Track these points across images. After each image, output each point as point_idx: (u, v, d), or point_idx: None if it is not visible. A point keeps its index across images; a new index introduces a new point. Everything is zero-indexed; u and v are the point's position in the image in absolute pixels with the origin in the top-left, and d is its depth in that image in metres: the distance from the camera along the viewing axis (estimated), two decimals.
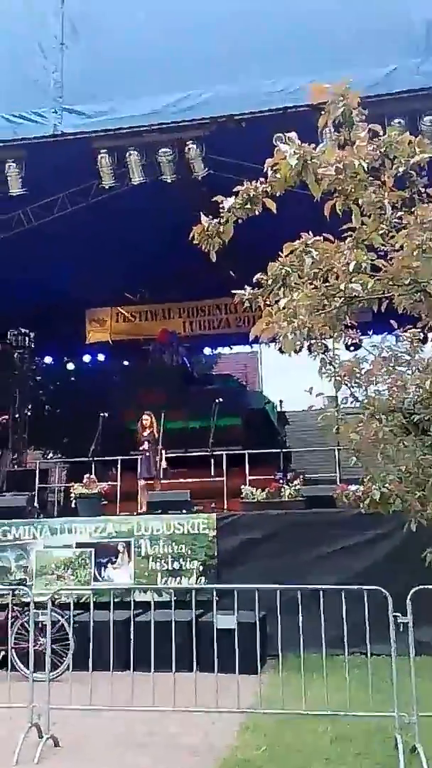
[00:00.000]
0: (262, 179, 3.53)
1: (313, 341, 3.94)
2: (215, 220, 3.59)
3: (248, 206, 3.53)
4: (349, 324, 4.03)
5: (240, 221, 3.63)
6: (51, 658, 6.27)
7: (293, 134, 3.34)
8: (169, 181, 9.58)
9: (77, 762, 5.43)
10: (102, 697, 5.85)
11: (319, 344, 4.03)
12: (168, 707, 5.77)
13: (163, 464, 11.59)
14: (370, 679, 5.66)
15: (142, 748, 5.71)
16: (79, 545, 9.81)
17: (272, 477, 11.23)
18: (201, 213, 3.65)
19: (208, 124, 9.13)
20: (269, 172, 3.46)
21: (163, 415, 12.42)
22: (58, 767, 5.35)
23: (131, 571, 9.59)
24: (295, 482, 10.51)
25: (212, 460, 11.79)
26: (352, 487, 9.66)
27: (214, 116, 9.05)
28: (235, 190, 3.58)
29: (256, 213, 3.59)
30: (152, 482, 11.40)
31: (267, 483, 10.69)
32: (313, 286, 3.58)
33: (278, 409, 17.02)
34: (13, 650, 7.75)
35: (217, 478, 11.38)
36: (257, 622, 6.56)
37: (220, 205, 3.60)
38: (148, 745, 5.78)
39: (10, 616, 7.46)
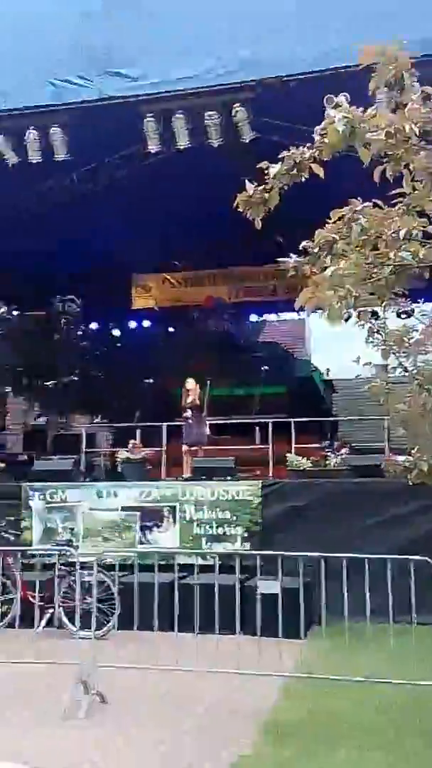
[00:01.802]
0: (309, 144, 3.43)
1: (360, 310, 3.86)
2: (260, 188, 3.52)
3: (294, 172, 3.44)
4: (400, 292, 3.94)
5: (286, 188, 3.54)
6: (97, 617, 6.44)
7: (342, 98, 3.22)
8: (215, 145, 9.42)
9: (123, 719, 5.59)
10: (147, 656, 6.00)
11: (367, 312, 3.94)
12: (211, 669, 5.88)
13: (207, 431, 11.63)
14: (413, 649, 5.66)
15: (184, 708, 5.83)
16: (124, 509, 10.00)
17: (318, 446, 11.19)
18: (246, 180, 3.57)
19: (256, 86, 8.92)
20: (317, 138, 3.36)
21: (208, 382, 12.45)
22: (105, 723, 5.51)
23: (176, 535, 9.74)
24: (342, 451, 10.47)
25: (257, 428, 11.79)
26: (400, 458, 9.60)
27: (261, 78, 8.85)
28: (280, 156, 3.49)
29: (303, 179, 3.50)
30: (195, 449, 11.46)
31: (312, 452, 10.68)
32: (361, 254, 3.50)
33: (325, 377, 16.89)
34: (60, 608, 7.99)
35: (262, 446, 11.39)
36: (301, 588, 6.60)
37: (265, 172, 3.51)
38: (191, 705, 5.91)
39: (57, 575, 7.66)
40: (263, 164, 3.56)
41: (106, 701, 5.87)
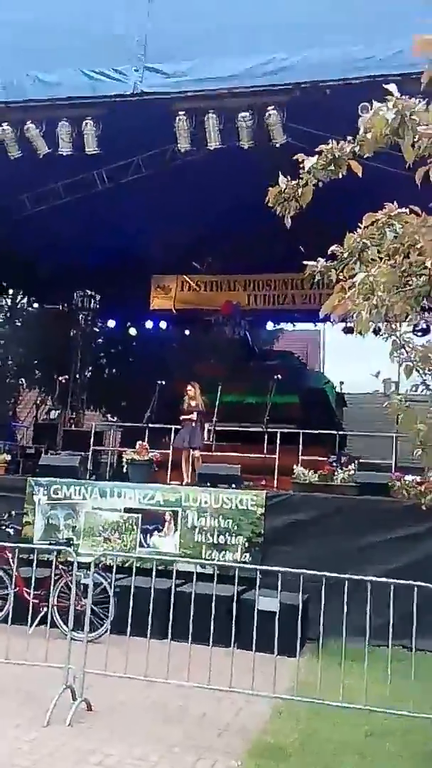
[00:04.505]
0: (350, 138, 3.25)
1: (385, 323, 3.68)
2: (293, 182, 3.34)
3: (331, 168, 3.27)
4: (426, 306, 3.77)
5: (321, 184, 3.36)
6: (91, 618, 6.28)
7: (393, 86, 3.03)
8: (245, 147, 9.30)
9: (109, 728, 5.41)
10: (138, 665, 5.81)
11: (392, 326, 3.77)
12: (203, 683, 5.69)
13: (205, 438, 11.49)
14: (412, 675, 5.47)
15: (173, 722, 5.66)
16: (127, 510, 9.84)
17: (326, 459, 10.99)
18: (279, 174, 3.40)
19: (291, 89, 8.77)
20: (361, 131, 3.16)
21: (219, 387, 12.28)
22: (90, 732, 5.33)
23: (176, 540, 9.57)
24: (350, 467, 10.28)
25: (266, 437, 11.63)
26: (408, 477, 9.40)
27: (297, 82, 8.71)
28: (318, 149, 3.31)
29: (340, 176, 3.32)
30: (193, 453, 11.27)
31: (320, 465, 10.49)
32: (392, 263, 3.32)
33: (337, 391, 16.69)
34: (54, 608, 7.84)
35: (270, 456, 11.21)
36: (300, 606, 6.42)
37: (300, 165, 3.34)
38: (180, 719, 5.73)
39: (53, 573, 7.51)
40: (299, 156, 3.38)
41: (92, 709, 5.71)
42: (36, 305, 19.52)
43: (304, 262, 3.68)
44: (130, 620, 6.16)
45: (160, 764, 4.78)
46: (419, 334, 4.93)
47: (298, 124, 9.08)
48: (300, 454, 10.82)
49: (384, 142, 3.12)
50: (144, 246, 14.24)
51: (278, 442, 11.16)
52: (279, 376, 12.89)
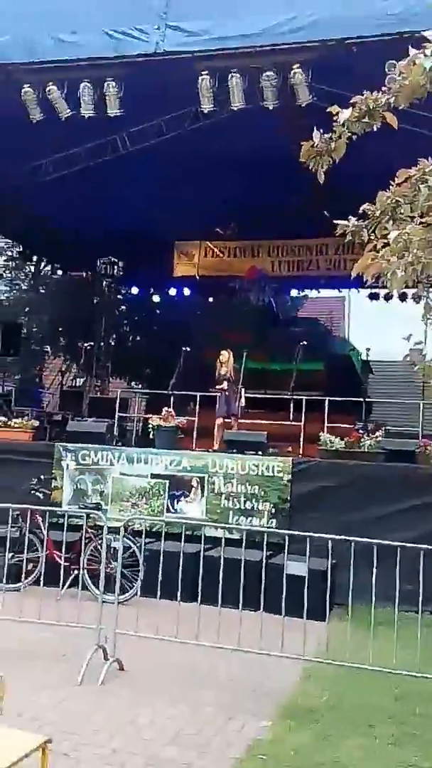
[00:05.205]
0: (384, 88, 3.13)
1: (417, 285, 3.59)
2: (327, 135, 3.24)
3: (366, 120, 3.15)
4: None
5: (354, 137, 3.24)
6: (120, 582, 6.36)
7: (430, 32, 2.90)
8: (270, 107, 9.07)
9: (140, 688, 5.51)
10: (168, 626, 5.89)
11: (424, 288, 3.68)
12: (233, 646, 5.75)
13: (242, 403, 11.47)
14: None
15: (203, 683, 5.74)
16: (154, 476, 9.91)
17: (351, 426, 10.92)
18: (315, 128, 3.29)
19: (317, 47, 8.51)
20: (396, 81, 3.03)
21: (245, 354, 12.22)
22: (122, 691, 5.42)
23: (203, 506, 9.63)
24: (377, 434, 10.21)
25: (292, 404, 11.58)
26: None
27: (323, 39, 8.45)
28: (352, 101, 3.20)
29: (375, 129, 3.21)
30: (229, 420, 11.30)
31: (345, 431, 10.43)
32: (426, 220, 3.22)
33: (363, 358, 16.53)
34: (85, 571, 7.95)
35: (295, 423, 11.17)
36: (329, 571, 6.43)
37: (334, 118, 3.23)
38: (210, 680, 5.81)
39: (84, 537, 7.61)
40: (332, 109, 3.27)
41: (123, 669, 5.81)
42: (60, 272, 19.48)
43: (335, 221, 3.58)
44: (159, 583, 6.22)
45: (192, 724, 4.86)
46: None
47: (323, 85, 8.84)
48: (325, 421, 10.76)
49: (421, 93, 2.99)
50: (167, 211, 14.06)
51: (303, 409, 11.09)
52: (304, 342, 12.78)
